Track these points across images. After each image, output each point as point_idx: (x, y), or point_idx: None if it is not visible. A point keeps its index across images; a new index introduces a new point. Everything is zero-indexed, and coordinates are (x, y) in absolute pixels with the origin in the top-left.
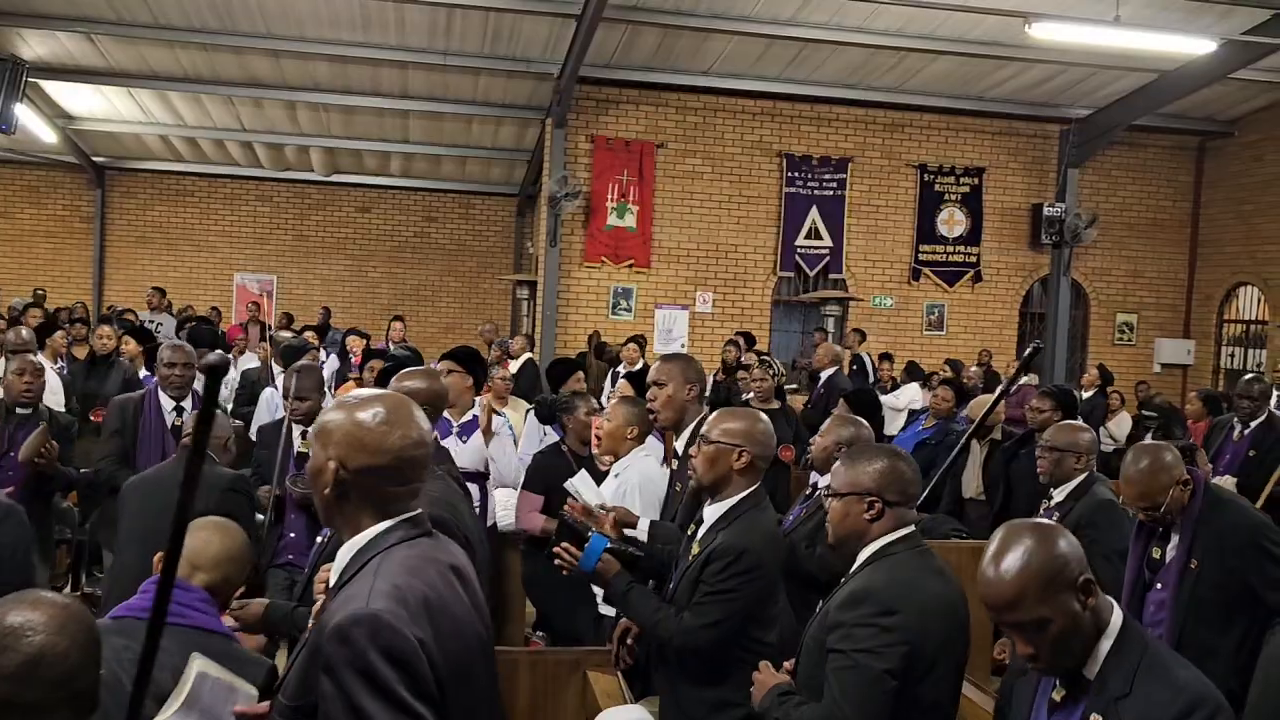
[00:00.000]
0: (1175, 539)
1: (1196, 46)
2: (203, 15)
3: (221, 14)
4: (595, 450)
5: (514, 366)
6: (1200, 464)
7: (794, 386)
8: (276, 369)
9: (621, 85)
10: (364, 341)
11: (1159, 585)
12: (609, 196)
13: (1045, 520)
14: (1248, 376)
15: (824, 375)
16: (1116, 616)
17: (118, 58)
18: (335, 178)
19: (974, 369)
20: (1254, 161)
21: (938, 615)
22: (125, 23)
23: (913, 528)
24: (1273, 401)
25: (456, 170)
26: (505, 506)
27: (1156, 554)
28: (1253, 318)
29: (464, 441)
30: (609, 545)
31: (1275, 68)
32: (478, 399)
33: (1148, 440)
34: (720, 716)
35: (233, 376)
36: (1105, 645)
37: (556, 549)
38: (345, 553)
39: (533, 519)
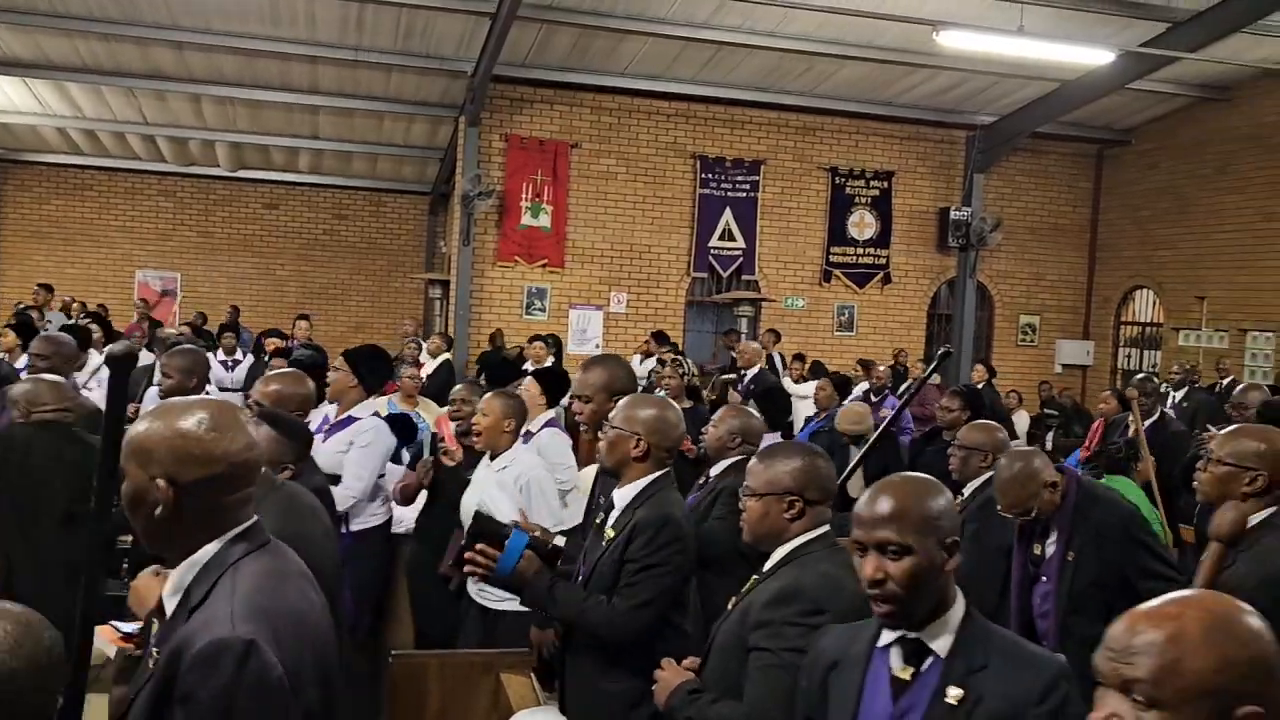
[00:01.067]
0: (1054, 534)
1: (1096, 57)
2: (104, 4)
3: (124, 3)
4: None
5: (431, 367)
6: (1143, 457)
7: (730, 376)
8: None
9: (536, 84)
10: (281, 343)
11: (1044, 578)
12: (523, 196)
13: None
14: (1139, 376)
15: (749, 373)
16: (961, 599)
17: (12, 46)
18: (241, 173)
19: (883, 368)
20: (1149, 169)
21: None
22: (21, 10)
23: (828, 526)
24: (1167, 402)
25: (367, 167)
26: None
27: (1038, 550)
28: (1148, 320)
29: (322, 441)
30: (530, 541)
31: (1170, 79)
32: (388, 398)
33: (1049, 444)
34: (636, 714)
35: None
36: (955, 618)
37: (470, 553)
38: (185, 572)
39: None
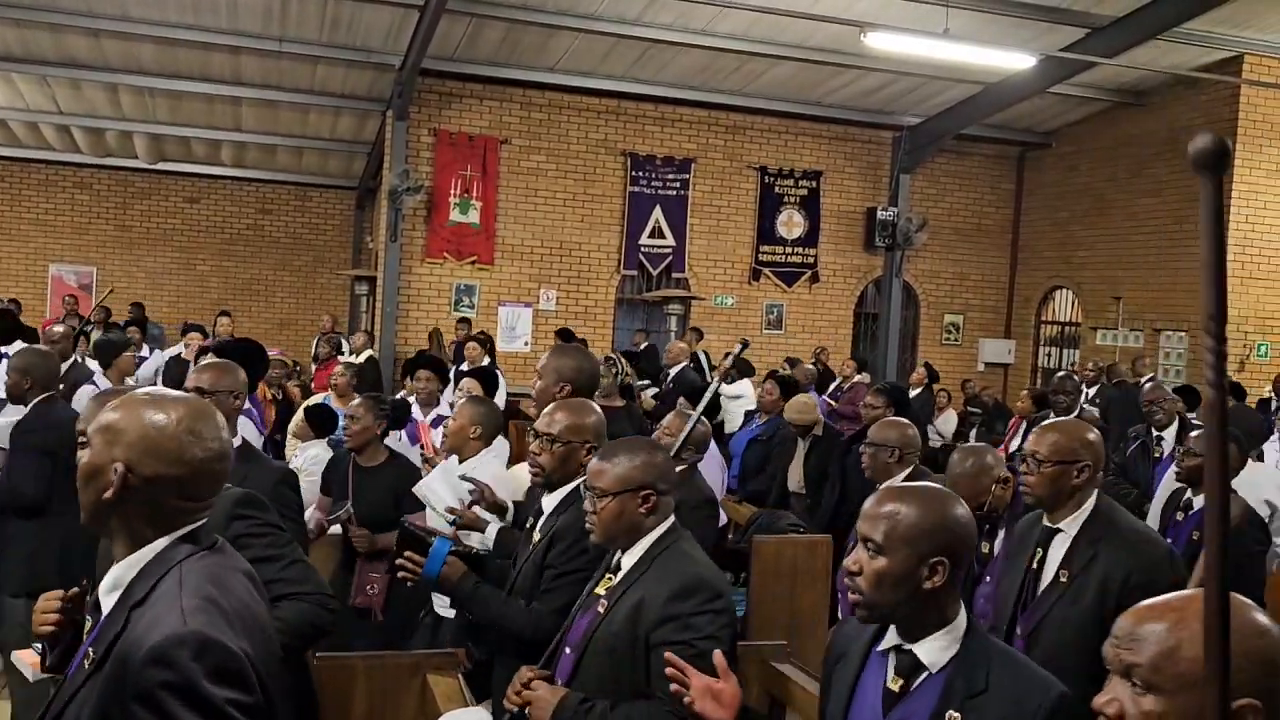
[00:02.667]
0: (1000, 534)
1: (1018, 61)
2: None
3: None
4: (437, 449)
5: (357, 363)
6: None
7: (645, 383)
8: (93, 365)
9: (465, 79)
10: (202, 338)
11: (986, 579)
12: (452, 192)
13: (956, 499)
14: (1060, 374)
15: (673, 371)
16: (963, 617)
17: None
18: (161, 166)
19: (808, 366)
20: (1069, 171)
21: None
22: None
23: (673, 517)
24: (1084, 398)
25: (292, 161)
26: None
27: (985, 548)
28: (1067, 319)
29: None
30: (452, 547)
31: (1089, 84)
32: (324, 395)
33: (972, 441)
34: None
35: None
36: (953, 636)
37: (400, 560)
38: (126, 569)
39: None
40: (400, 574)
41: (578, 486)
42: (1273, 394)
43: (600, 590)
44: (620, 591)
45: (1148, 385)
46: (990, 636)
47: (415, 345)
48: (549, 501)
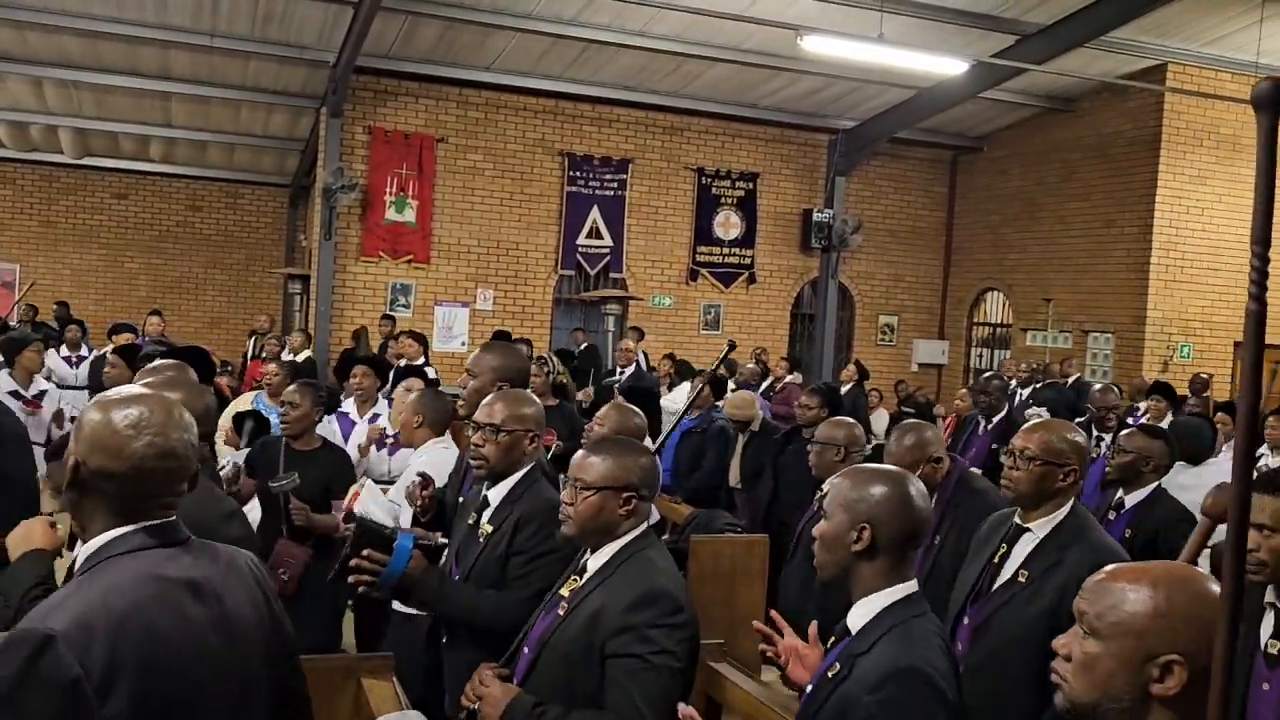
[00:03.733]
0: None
1: (951, 66)
2: None
3: None
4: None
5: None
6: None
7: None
8: None
9: (401, 77)
10: (132, 338)
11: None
12: (387, 190)
13: (911, 480)
14: (986, 374)
15: (627, 372)
16: (905, 589)
17: None
18: (87, 161)
19: (750, 366)
20: (1000, 176)
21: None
22: None
23: (648, 523)
24: (1015, 399)
25: (224, 158)
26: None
27: None
28: (998, 321)
29: None
30: (416, 541)
31: (1020, 90)
32: (255, 395)
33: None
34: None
35: None
36: (875, 606)
37: (358, 560)
38: (81, 554)
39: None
40: (353, 578)
41: (526, 474)
42: (1189, 393)
43: (565, 591)
44: (583, 595)
45: (1098, 390)
46: (910, 617)
47: (350, 345)
48: (496, 493)
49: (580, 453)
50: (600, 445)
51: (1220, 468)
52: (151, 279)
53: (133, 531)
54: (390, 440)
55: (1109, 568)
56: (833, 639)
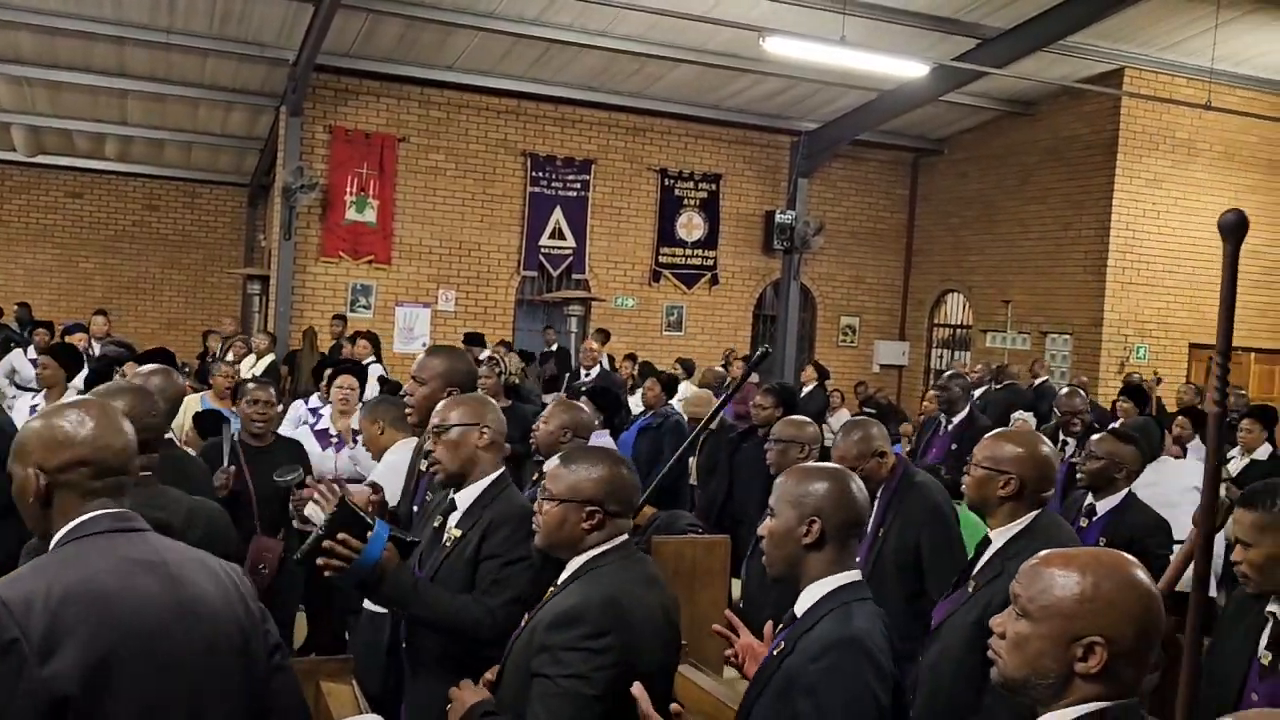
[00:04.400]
0: (872, 512)
1: (912, 69)
2: None
3: None
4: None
5: (262, 365)
6: None
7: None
8: None
9: (362, 76)
10: (85, 338)
11: (857, 559)
12: (348, 190)
13: (849, 475)
14: (948, 373)
15: (592, 373)
16: (848, 577)
17: None
18: (41, 159)
19: (719, 369)
20: (960, 178)
21: (650, 629)
22: None
23: (625, 536)
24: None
25: (181, 156)
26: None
27: None
28: (958, 322)
29: None
30: (392, 532)
31: (980, 93)
32: (201, 395)
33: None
34: None
35: None
36: (821, 591)
37: (331, 542)
38: (51, 545)
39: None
40: (323, 560)
41: (498, 479)
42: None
43: (541, 602)
44: (540, 608)
45: (1063, 393)
46: (850, 602)
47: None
48: (465, 496)
49: (554, 460)
50: (570, 455)
51: (1181, 467)
52: (107, 279)
53: (96, 517)
54: (334, 439)
55: (1042, 553)
56: (780, 625)
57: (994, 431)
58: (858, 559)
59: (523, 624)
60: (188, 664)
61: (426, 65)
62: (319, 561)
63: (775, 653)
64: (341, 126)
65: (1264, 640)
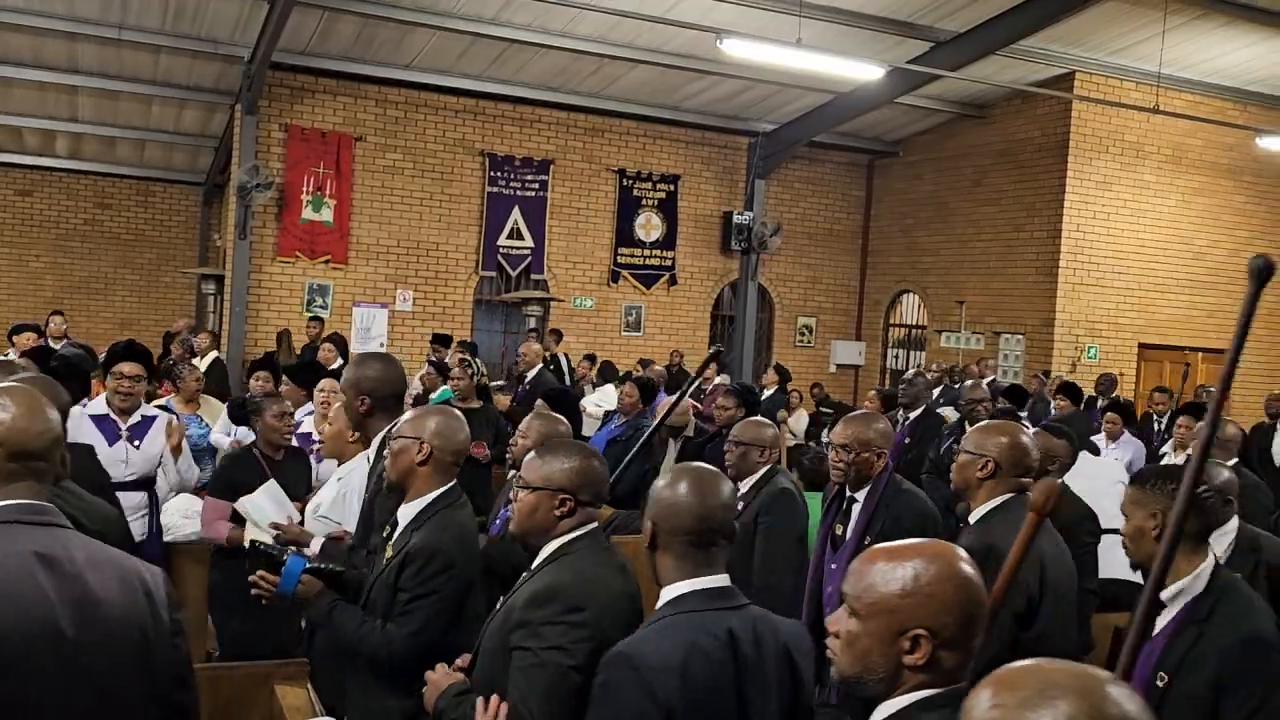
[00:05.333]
0: (855, 515)
1: (867, 72)
2: None
3: None
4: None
5: (204, 364)
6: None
7: (500, 383)
8: None
9: (318, 74)
10: (35, 338)
11: (833, 565)
12: (304, 189)
13: (709, 479)
14: (909, 373)
15: (529, 375)
16: (694, 585)
17: None
18: None
19: (658, 368)
20: (915, 180)
21: (620, 611)
22: None
23: (595, 524)
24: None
25: (134, 154)
26: (185, 514)
27: (839, 530)
28: (914, 322)
29: (136, 446)
30: (308, 565)
31: (934, 96)
32: (166, 399)
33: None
34: None
35: None
36: (662, 600)
37: (253, 579)
38: None
39: (218, 528)
40: (254, 592)
41: (440, 496)
42: (1098, 393)
43: (514, 587)
44: (513, 592)
45: (968, 384)
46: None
47: (265, 346)
48: (406, 512)
49: (529, 453)
50: (546, 447)
51: (1101, 463)
52: (58, 278)
53: (5, 506)
54: (316, 445)
55: (866, 552)
56: None
57: (984, 423)
58: (833, 567)
59: (496, 608)
60: (73, 664)
61: (384, 64)
62: (254, 593)
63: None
64: (298, 125)
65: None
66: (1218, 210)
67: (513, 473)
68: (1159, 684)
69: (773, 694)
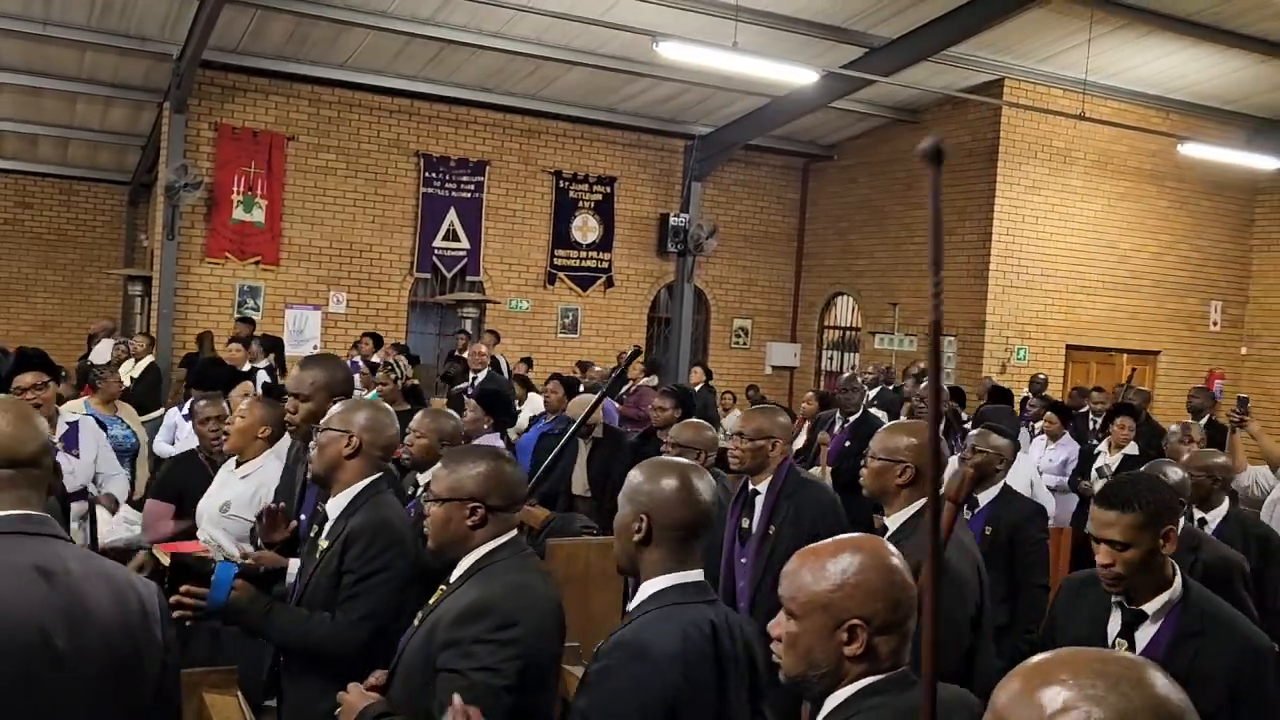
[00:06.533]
0: (759, 507)
1: (802, 76)
2: None
3: None
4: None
5: (140, 368)
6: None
7: (464, 387)
8: None
9: (250, 73)
10: None
11: (743, 560)
12: (234, 189)
13: (697, 474)
14: (845, 376)
15: (479, 376)
16: (682, 578)
17: None
18: None
19: (599, 369)
20: (849, 183)
21: (549, 622)
22: None
23: (515, 532)
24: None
25: (57, 152)
26: (123, 522)
27: (745, 524)
28: (848, 324)
29: (75, 455)
30: (239, 569)
31: (868, 100)
32: (84, 400)
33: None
34: None
35: None
36: (647, 592)
37: (177, 596)
38: None
39: (161, 528)
40: (178, 613)
41: (368, 486)
42: (1029, 393)
43: (431, 601)
44: (433, 607)
45: (911, 378)
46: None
47: (194, 349)
48: (335, 505)
49: (438, 464)
50: (456, 455)
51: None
52: None
53: (5, 517)
54: None
55: (798, 552)
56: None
57: (888, 425)
58: (743, 560)
59: (415, 624)
60: (63, 675)
61: (317, 63)
62: (176, 615)
63: (596, 652)
64: (228, 124)
65: (1115, 628)
66: (1142, 214)
67: (420, 477)
68: None
69: (744, 685)
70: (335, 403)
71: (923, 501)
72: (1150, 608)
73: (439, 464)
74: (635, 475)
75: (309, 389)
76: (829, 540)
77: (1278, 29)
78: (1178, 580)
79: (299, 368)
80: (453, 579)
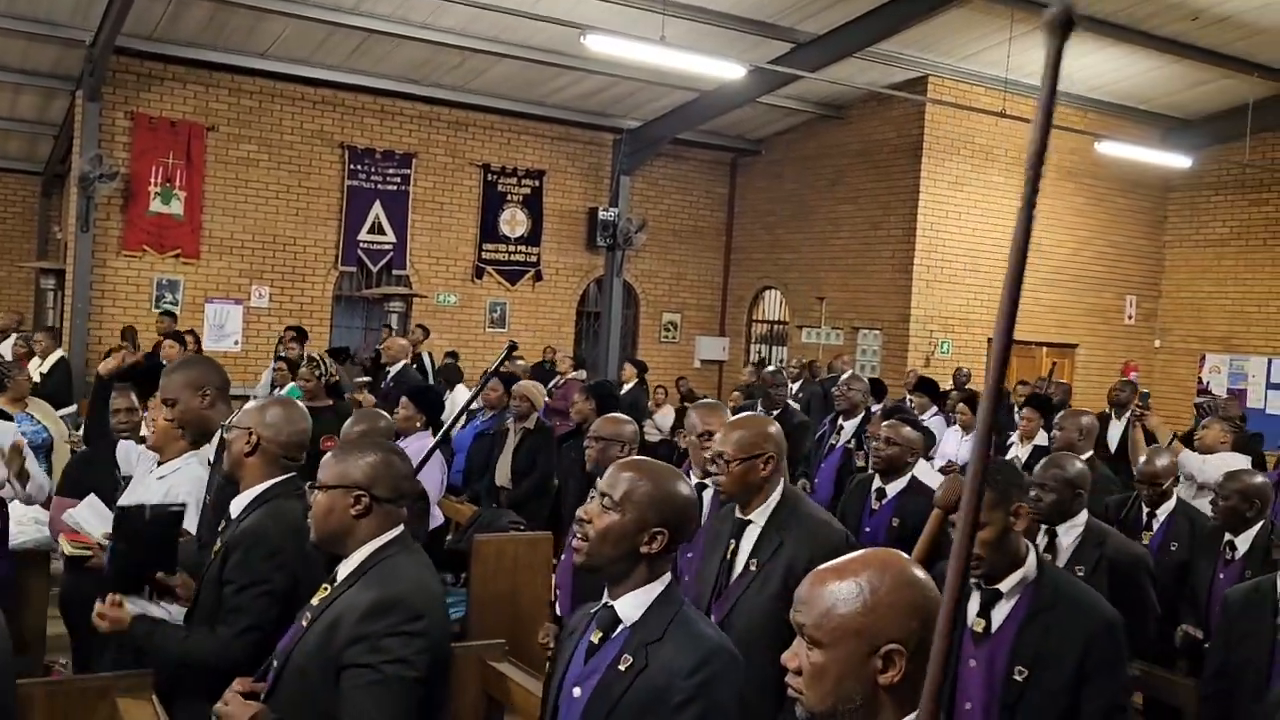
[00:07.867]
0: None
1: (730, 71)
2: None
3: None
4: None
5: (48, 364)
6: None
7: (366, 380)
8: None
9: (167, 60)
10: None
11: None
12: (152, 180)
13: (685, 479)
14: (770, 369)
15: (393, 369)
16: (665, 580)
17: None
18: None
19: (522, 363)
20: (776, 179)
21: (445, 616)
22: None
23: (402, 527)
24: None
25: None
26: (32, 522)
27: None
28: (776, 318)
29: None
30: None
31: (795, 96)
32: None
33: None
34: None
35: None
36: (646, 598)
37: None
38: None
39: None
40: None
41: (267, 489)
42: (953, 386)
43: (314, 600)
44: (325, 605)
45: (846, 377)
46: (684, 601)
47: (110, 344)
48: (235, 506)
49: (327, 454)
50: (341, 445)
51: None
52: None
53: None
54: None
55: (812, 574)
56: (599, 633)
57: (730, 423)
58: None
59: (302, 625)
60: None
61: (237, 51)
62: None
63: (623, 667)
64: (144, 113)
65: (974, 609)
66: (1061, 211)
67: None
68: (1018, 678)
69: None
70: (204, 394)
71: (780, 488)
72: (1005, 585)
73: (329, 453)
74: (642, 482)
75: (173, 392)
76: (846, 558)
77: (1189, 30)
78: (1031, 558)
79: (165, 375)
80: (340, 577)
